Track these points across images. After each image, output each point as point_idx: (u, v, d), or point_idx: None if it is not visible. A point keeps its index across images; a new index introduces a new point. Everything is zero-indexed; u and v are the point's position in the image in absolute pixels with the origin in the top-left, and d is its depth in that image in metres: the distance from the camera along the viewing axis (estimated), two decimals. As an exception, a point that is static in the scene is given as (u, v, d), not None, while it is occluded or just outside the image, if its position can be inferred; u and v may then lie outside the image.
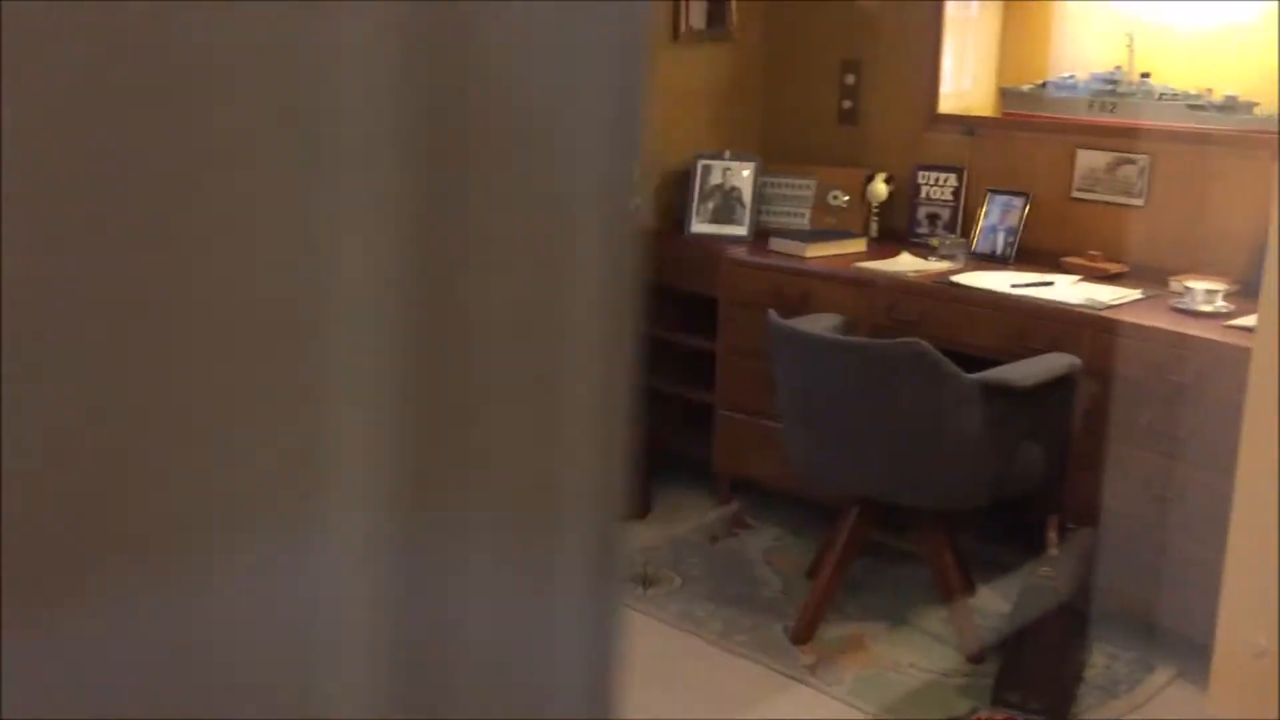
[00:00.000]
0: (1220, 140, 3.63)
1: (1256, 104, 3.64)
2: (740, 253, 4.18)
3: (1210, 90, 3.74)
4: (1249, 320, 3.20)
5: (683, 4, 4.43)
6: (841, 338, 3.29)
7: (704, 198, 4.41)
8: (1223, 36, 3.74)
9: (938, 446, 3.16)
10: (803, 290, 3.96)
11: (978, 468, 3.17)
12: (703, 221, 4.39)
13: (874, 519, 3.51)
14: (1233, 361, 3.03)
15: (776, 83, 4.71)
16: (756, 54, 4.68)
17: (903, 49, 4.32)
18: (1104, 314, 3.32)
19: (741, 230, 4.35)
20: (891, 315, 3.76)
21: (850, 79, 4.50)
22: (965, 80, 4.33)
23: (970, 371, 3.18)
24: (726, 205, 4.39)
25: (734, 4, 4.57)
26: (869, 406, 3.20)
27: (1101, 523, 3.28)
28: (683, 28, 4.46)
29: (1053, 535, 3.12)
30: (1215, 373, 3.06)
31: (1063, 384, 3.24)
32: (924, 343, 3.06)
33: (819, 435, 3.37)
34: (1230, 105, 3.68)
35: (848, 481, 3.38)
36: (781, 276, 4.02)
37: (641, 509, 4.35)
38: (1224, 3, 3.73)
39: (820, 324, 3.53)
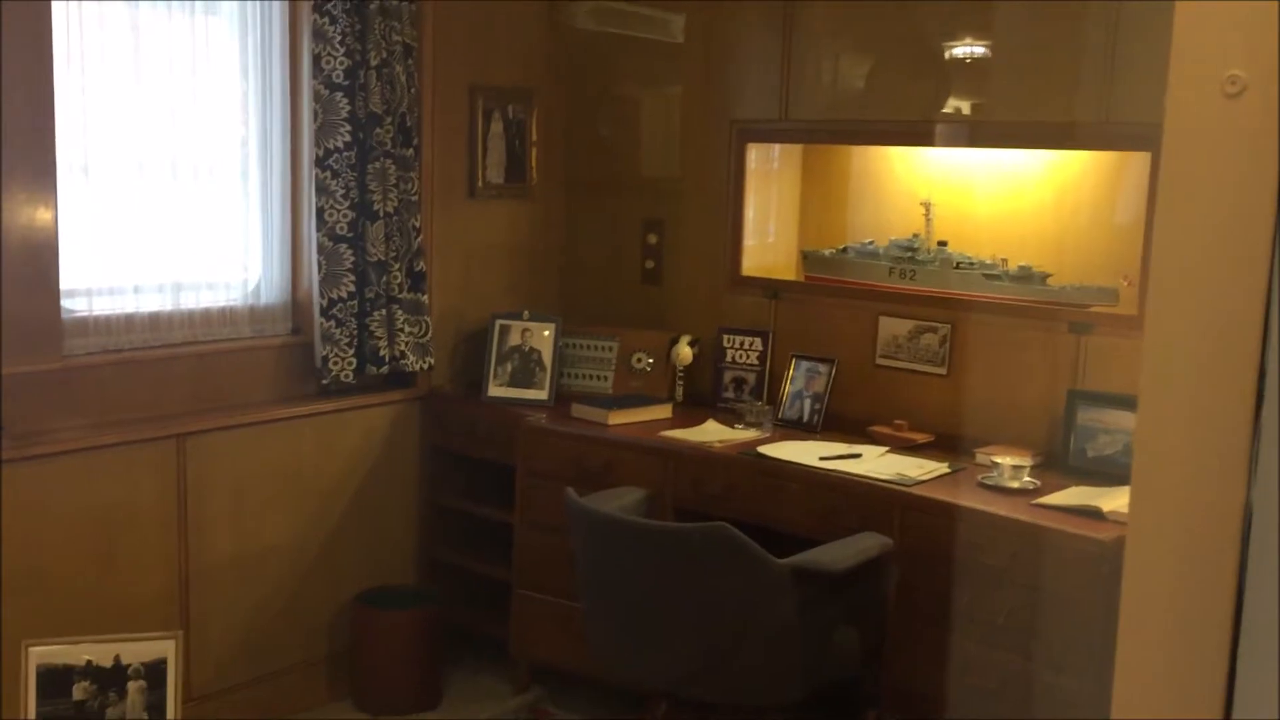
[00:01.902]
0: (1017, 310, 3.64)
1: (1050, 274, 3.68)
2: (540, 419, 3.94)
3: (1005, 260, 3.76)
4: (1056, 498, 3.13)
5: (480, 158, 4.26)
6: (642, 520, 3.06)
7: (502, 359, 4.17)
8: (1017, 209, 3.79)
9: (747, 637, 2.94)
10: (605, 460, 3.74)
11: (791, 659, 2.96)
12: (500, 385, 4.15)
13: (685, 712, 3.24)
14: (1042, 545, 2.94)
15: (577, 241, 4.56)
16: (557, 210, 4.54)
17: (705, 209, 4.24)
18: (914, 491, 3.21)
19: (542, 394, 4.12)
20: (698, 489, 3.56)
21: (653, 238, 4.39)
22: (767, 242, 4.27)
23: (781, 550, 3.00)
24: (525, 368, 4.17)
25: (534, 159, 4.43)
26: (673, 594, 2.97)
27: (921, 713, 3.11)
28: (480, 183, 4.28)
29: (870, 733, 2.92)
30: (1026, 555, 2.96)
31: (876, 566, 3.08)
32: (729, 527, 2.86)
33: (621, 622, 3.11)
34: (1025, 275, 3.70)
35: (652, 673, 3.11)
36: (583, 445, 3.79)
37: (432, 698, 3.98)
38: (1019, 176, 3.79)
39: (622, 500, 3.30)
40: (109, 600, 3.36)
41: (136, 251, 3.60)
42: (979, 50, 3.65)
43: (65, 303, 3.40)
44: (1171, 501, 0.89)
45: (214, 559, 3.64)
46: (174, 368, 3.64)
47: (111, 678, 2.72)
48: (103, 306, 3.54)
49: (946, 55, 3.70)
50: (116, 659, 2.73)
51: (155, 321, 3.64)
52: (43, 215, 3.27)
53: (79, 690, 2.68)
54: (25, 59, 3.19)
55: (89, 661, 2.71)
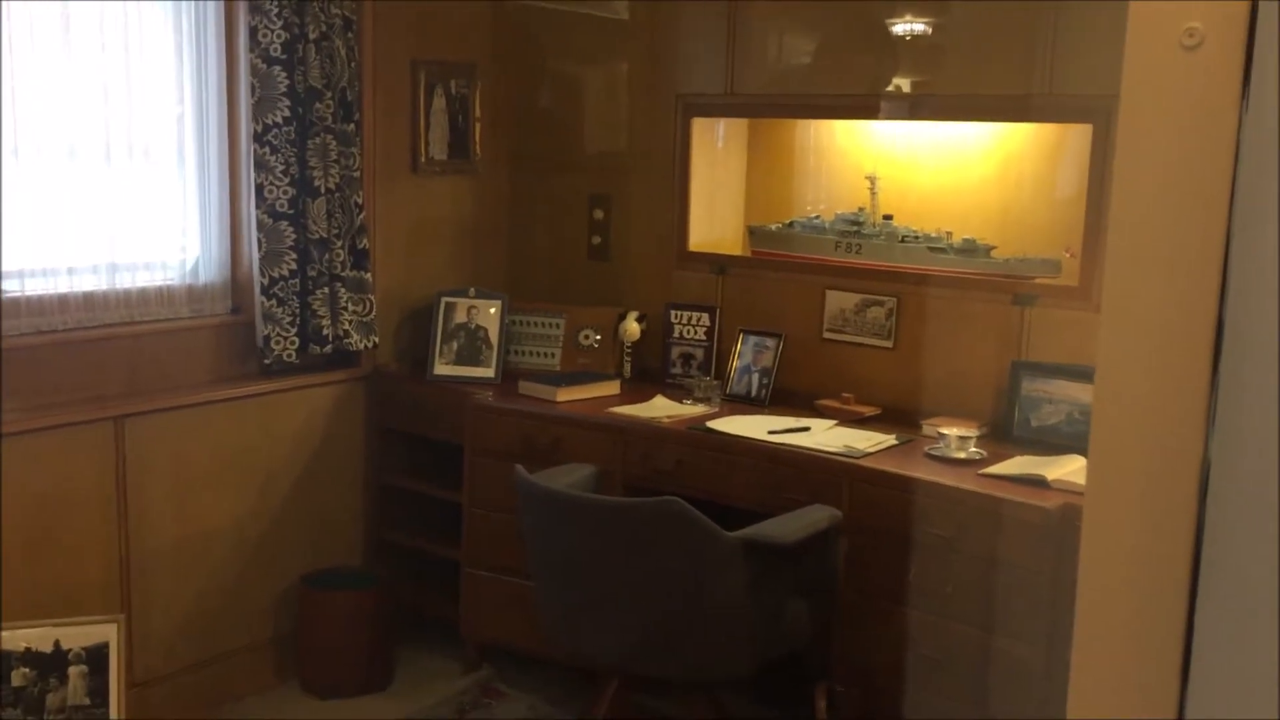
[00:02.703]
0: (961, 283, 3.66)
1: (994, 247, 3.70)
2: (487, 397, 3.90)
3: (950, 233, 3.78)
4: (1000, 468, 3.16)
5: (423, 133, 4.20)
6: (592, 496, 3.04)
7: (447, 337, 4.13)
8: (962, 182, 3.80)
9: (698, 611, 2.94)
10: (554, 437, 3.71)
11: (742, 632, 2.96)
12: (446, 363, 4.11)
13: (636, 688, 3.24)
14: (989, 514, 2.96)
15: (523, 217, 4.52)
16: (502, 186, 4.49)
17: (651, 185, 4.22)
18: (862, 463, 3.22)
19: (488, 372, 4.09)
20: (647, 464, 3.55)
21: (599, 214, 4.36)
22: (714, 217, 4.26)
23: (731, 524, 3.00)
24: (472, 345, 4.13)
25: (477, 134, 4.38)
26: (624, 569, 2.96)
27: (870, 685, 3.13)
28: (423, 158, 4.22)
29: (821, 705, 2.93)
30: (973, 525, 2.98)
31: (825, 538, 3.09)
32: (680, 501, 2.86)
33: (572, 600, 3.10)
34: (970, 248, 3.73)
35: (604, 650, 3.10)
36: (531, 423, 3.77)
37: (381, 679, 3.94)
38: (963, 150, 3.80)
39: (571, 477, 3.28)
40: (48, 586, 3.28)
41: (71, 232, 3.51)
42: (924, 24, 3.66)
43: (-4, 283, 3.30)
44: (1131, 458, 0.89)
45: (156, 543, 3.58)
46: (111, 349, 3.56)
47: (51, 663, 2.66)
48: (36, 287, 3.45)
49: (891, 29, 3.70)
50: (56, 644, 2.67)
51: (90, 301, 3.55)
52: (-29, 192, 3.18)
53: (17, 676, 2.62)
54: (-51, 31, 3.08)
55: (27, 648, 2.65)
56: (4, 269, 3.33)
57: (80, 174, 3.50)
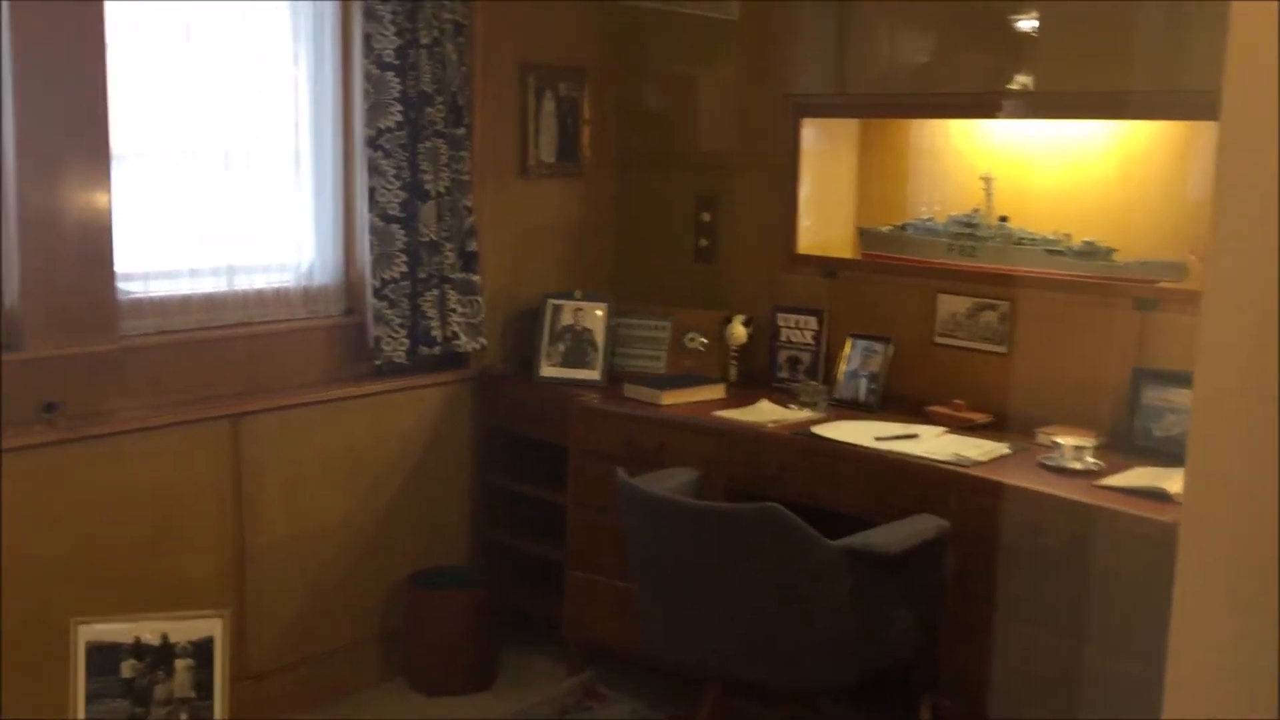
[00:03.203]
0: (1080, 287, 3.53)
1: (1115, 250, 3.56)
2: (592, 399, 3.91)
3: (1068, 235, 3.66)
4: (1118, 479, 3.04)
5: (531, 136, 4.23)
6: (691, 501, 3.01)
7: (554, 339, 4.14)
8: (1082, 182, 3.67)
9: (799, 620, 2.89)
10: (658, 441, 3.70)
11: (843, 642, 2.90)
12: (552, 365, 4.12)
13: (738, 694, 3.21)
14: (1105, 526, 2.85)
15: (630, 219, 4.52)
16: (609, 188, 4.49)
17: (759, 186, 4.17)
18: (972, 472, 3.13)
19: (594, 374, 4.09)
20: (751, 469, 3.51)
21: (706, 216, 4.33)
22: (824, 219, 4.20)
23: (835, 532, 2.94)
24: (578, 348, 4.13)
25: (586, 137, 4.39)
26: (725, 575, 2.92)
27: (976, 699, 3.04)
28: (531, 161, 4.25)
29: (926, 717, 2.85)
30: (1088, 538, 2.87)
31: (932, 549, 3.01)
32: (780, 507, 2.81)
33: (671, 605, 3.08)
34: (1089, 251, 3.59)
35: (703, 657, 3.07)
36: (635, 425, 3.76)
37: (485, 678, 3.97)
38: (1083, 149, 3.67)
39: (672, 481, 3.26)
40: (164, 579, 3.39)
41: (192, 235, 3.62)
42: (1041, 18, 3.54)
43: (121, 285, 3.42)
44: (1230, 465, 0.83)
45: (268, 539, 3.66)
46: (228, 349, 3.66)
47: (160, 656, 2.74)
48: (159, 289, 3.57)
49: (1007, 24, 3.59)
50: (164, 637, 2.75)
51: (210, 303, 3.66)
52: (97, 199, 3.30)
53: (127, 668, 2.71)
54: (78, 45, 3.20)
55: (137, 639, 2.73)
56: (127, 271, 3.45)
57: (201, 178, 3.61)
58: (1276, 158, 0.81)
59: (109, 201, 3.32)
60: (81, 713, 2.59)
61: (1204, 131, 3.35)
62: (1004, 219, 3.78)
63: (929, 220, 3.95)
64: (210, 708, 2.70)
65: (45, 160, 3.18)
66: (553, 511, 4.00)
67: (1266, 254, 0.81)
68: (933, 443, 3.38)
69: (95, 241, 3.31)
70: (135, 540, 3.35)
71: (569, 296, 4.18)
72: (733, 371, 4.11)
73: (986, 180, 3.79)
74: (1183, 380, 3.25)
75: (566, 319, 4.16)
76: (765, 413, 3.71)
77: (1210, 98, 3.05)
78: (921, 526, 2.99)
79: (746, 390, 3.97)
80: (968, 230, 3.82)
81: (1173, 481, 2.95)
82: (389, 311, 3.86)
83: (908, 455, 3.26)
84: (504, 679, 4.01)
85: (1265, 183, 0.81)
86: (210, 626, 2.76)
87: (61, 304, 3.25)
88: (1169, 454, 3.20)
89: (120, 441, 3.32)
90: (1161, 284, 3.42)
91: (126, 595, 3.27)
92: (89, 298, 3.31)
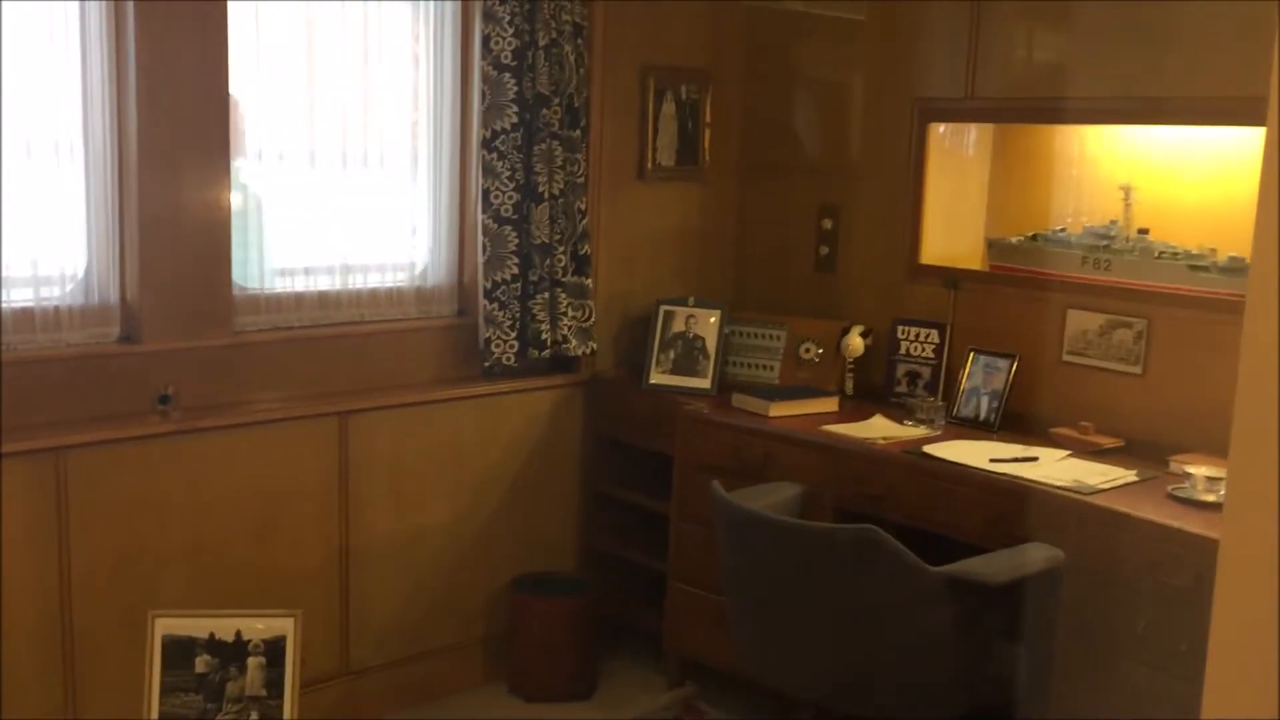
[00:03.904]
0: (1224, 306, 3.28)
1: (1265, 266, 3.30)
2: (699, 408, 3.82)
3: (1214, 250, 3.41)
4: (1257, 514, 2.80)
5: (650, 139, 4.17)
6: (786, 519, 2.90)
7: (664, 346, 4.07)
8: (1231, 194, 3.42)
9: (897, 649, 2.74)
10: (764, 453, 3.59)
11: (944, 675, 2.75)
12: (662, 372, 4.05)
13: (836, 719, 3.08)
14: (1237, 565, 2.62)
15: (750, 225, 4.41)
16: (729, 194, 4.40)
17: (884, 194, 4.02)
18: (1092, 500, 2.93)
19: (704, 383, 4.00)
20: (858, 487, 3.37)
21: (828, 224, 4.19)
22: (951, 228, 4.01)
23: (944, 557, 2.79)
24: (689, 355, 4.05)
25: (707, 141, 4.30)
26: (819, 598, 2.80)
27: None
28: (649, 165, 4.19)
29: (1029, 761, 2.68)
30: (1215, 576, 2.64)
31: (1044, 580, 2.83)
32: (878, 530, 2.67)
33: (765, 625, 2.97)
34: (1237, 266, 3.34)
35: (797, 680, 2.95)
36: (742, 436, 3.65)
37: (586, 687, 3.92)
38: (1233, 158, 3.42)
39: (774, 496, 3.15)
40: (269, 573, 3.44)
41: (309, 234, 3.67)
42: (1183, 19, 3.30)
43: (238, 280, 3.49)
44: (1271, 484, 0.71)
45: (373, 536, 3.69)
46: (341, 347, 3.70)
47: (233, 652, 2.76)
48: (275, 285, 3.63)
49: (1148, 25, 3.37)
50: (238, 634, 2.78)
51: (324, 300, 3.71)
52: (216, 196, 3.37)
53: (201, 663, 2.74)
54: (201, 50, 3.28)
55: (212, 635, 2.76)
56: (245, 271, 3.52)
57: (319, 178, 3.66)
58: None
59: (228, 199, 3.39)
60: (156, 705, 2.64)
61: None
62: (1143, 231, 3.54)
63: (1062, 231, 3.74)
64: (280, 707, 2.71)
65: (166, 159, 3.26)
66: (659, 522, 3.92)
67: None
68: (1053, 467, 3.18)
69: (213, 238, 3.38)
70: (242, 533, 3.41)
71: (682, 302, 4.11)
72: (849, 384, 3.96)
73: (1125, 190, 3.57)
74: (1334, 410, 2.99)
75: (678, 325, 4.08)
76: (877, 428, 3.56)
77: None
78: (1031, 557, 2.81)
79: (861, 404, 3.83)
80: (1104, 243, 3.60)
81: (1316, 520, 2.71)
82: (499, 313, 3.85)
83: (1023, 479, 3.08)
84: (604, 689, 3.95)
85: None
86: (283, 625, 2.78)
87: (179, 298, 3.33)
88: (1316, 490, 2.94)
89: (231, 435, 3.38)
90: (1315, 304, 3.15)
91: (232, 588, 3.33)
92: (206, 293, 3.38)
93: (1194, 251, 3.45)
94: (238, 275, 3.49)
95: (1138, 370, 3.44)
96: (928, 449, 3.33)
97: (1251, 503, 0.73)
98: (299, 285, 3.67)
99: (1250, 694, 0.77)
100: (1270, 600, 0.74)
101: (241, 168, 3.47)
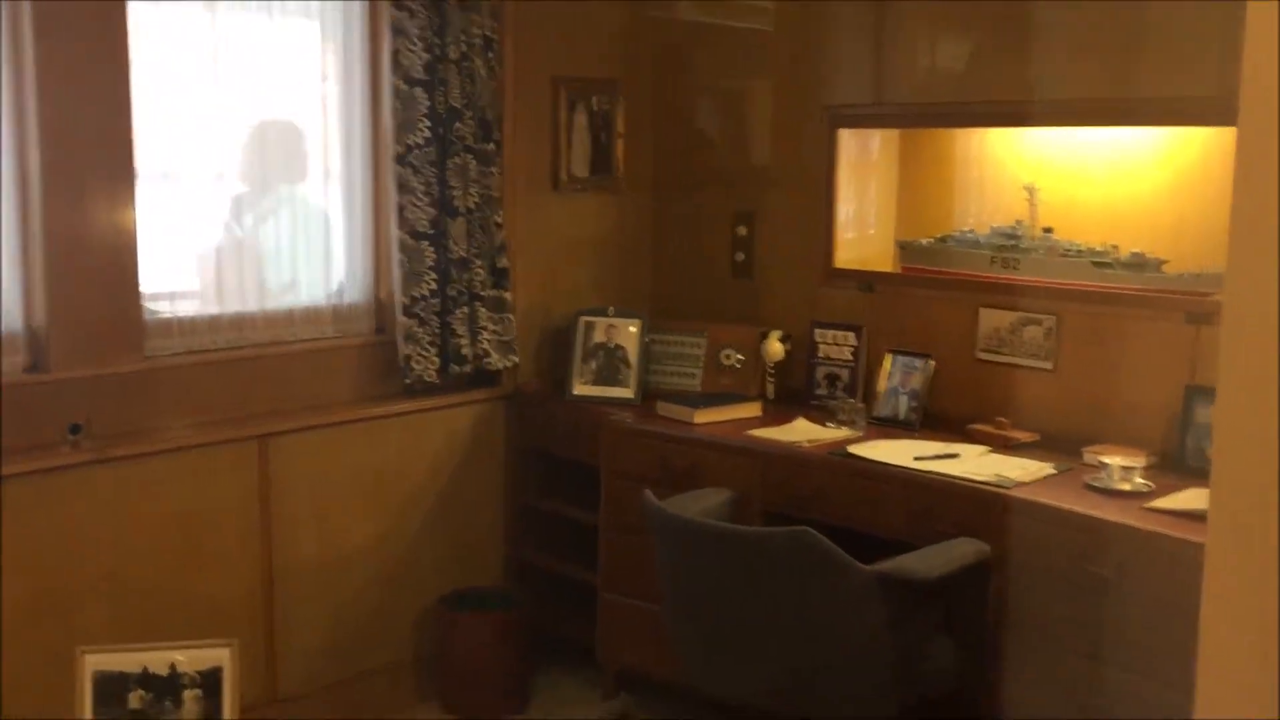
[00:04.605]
0: (1129, 300, 3.40)
1: (1166, 261, 3.43)
2: (625, 418, 3.83)
3: (1116, 247, 3.53)
4: (1169, 501, 2.91)
5: (564, 151, 4.17)
6: (720, 524, 2.92)
7: (586, 357, 4.07)
8: (1131, 193, 3.54)
9: (833, 648, 2.78)
10: (691, 461, 3.61)
11: (880, 673, 2.79)
12: (585, 383, 4.05)
13: (770, 724, 3.11)
14: (1155, 551, 2.72)
15: (666, 234, 4.44)
16: (644, 203, 4.42)
17: (797, 200, 4.08)
18: (1014, 493, 3.01)
19: (627, 392, 4.01)
20: (786, 490, 3.41)
21: (743, 230, 4.24)
22: (862, 233, 4.09)
23: (873, 555, 2.84)
24: (610, 365, 4.06)
25: (620, 151, 4.32)
26: (755, 602, 2.83)
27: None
28: (564, 176, 4.19)
29: (966, 753, 2.74)
30: (1138, 564, 2.74)
31: (973, 574, 2.89)
32: (812, 531, 2.71)
33: (702, 631, 2.99)
34: (1138, 262, 3.46)
35: (736, 684, 2.98)
36: (668, 445, 3.67)
37: (519, 702, 3.90)
38: (1133, 158, 3.54)
39: (705, 503, 3.17)
40: (190, 603, 3.35)
41: (221, 255, 3.59)
42: (1084, 22, 3.41)
43: (148, 305, 3.40)
44: (1258, 482, 0.73)
45: (297, 561, 3.62)
46: (257, 368, 3.63)
47: (167, 686, 2.69)
48: (187, 309, 3.54)
49: (1049, 29, 3.47)
50: (172, 667, 2.70)
51: (239, 322, 3.63)
52: (122, 218, 3.28)
53: (135, 699, 2.66)
54: (101, 63, 3.19)
55: (145, 669, 2.69)
56: (156, 291, 3.43)
57: (229, 197, 3.58)
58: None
59: (134, 221, 3.30)
60: (89, 744, 2.56)
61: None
62: (1048, 230, 3.65)
63: (970, 232, 3.83)
64: (219, 740, 2.65)
65: (70, 181, 3.17)
66: (587, 533, 3.92)
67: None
68: (974, 463, 3.26)
69: (120, 262, 3.29)
70: (164, 563, 3.32)
71: (602, 313, 4.11)
72: (770, 389, 4.01)
73: (1030, 190, 3.67)
74: (1237, 397, 3.11)
75: (599, 336, 4.09)
76: (802, 431, 3.61)
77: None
78: (961, 551, 2.88)
79: (783, 408, 3.88)
80: (1010, 242, 3.70)
81: (1227, 504, 2.82)
82: (419, 330, 3.81)
83: (948, 476, 3.15)
84: (537, 703, 3.93)
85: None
86: (219, 656, 2.71)
87: (87, 324, 3.23)
88: (1223, 475, 3.06)
89: (147, 463, 3.29)
90: (1215, 297, 3.28)
91: (156, 619, 3.24)
92: (115, 317, 3.29)
93: (1097, 249, 3.56)
94: (148, 299, 3.40)
95: (1049, 365, 3.54)
96: (852, 449, 3.39)
97: (1236, 509, 0.76)
98: (212, 308, 3.59)
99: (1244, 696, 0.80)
100: (1257, 615, 0.77)
101: (149, 189, 3.38)
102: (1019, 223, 3.70)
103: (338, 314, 3.87)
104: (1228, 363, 0.74)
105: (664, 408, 3.82)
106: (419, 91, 3.74)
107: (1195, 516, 2.79)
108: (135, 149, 3.28)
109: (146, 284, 3.37)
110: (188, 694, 2.66)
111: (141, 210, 3.31)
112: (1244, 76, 0.70)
